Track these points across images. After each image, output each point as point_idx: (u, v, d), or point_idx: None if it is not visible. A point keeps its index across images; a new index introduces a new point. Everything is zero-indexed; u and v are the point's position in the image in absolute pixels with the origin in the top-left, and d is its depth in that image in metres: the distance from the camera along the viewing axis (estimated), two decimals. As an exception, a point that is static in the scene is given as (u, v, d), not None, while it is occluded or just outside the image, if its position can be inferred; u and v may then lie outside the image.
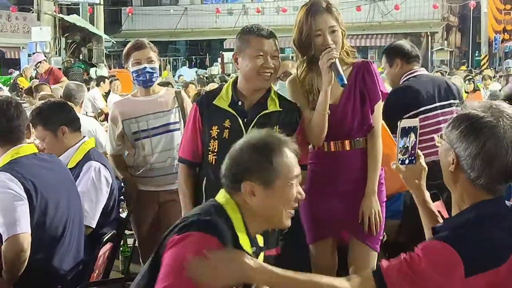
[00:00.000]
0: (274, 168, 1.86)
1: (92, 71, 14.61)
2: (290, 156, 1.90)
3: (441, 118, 3.62)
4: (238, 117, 2.68)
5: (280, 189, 1.88)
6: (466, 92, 11.02)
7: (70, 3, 18.21)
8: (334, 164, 2.83)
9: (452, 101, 3.73)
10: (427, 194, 2.05)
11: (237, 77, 2.78)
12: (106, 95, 9.72)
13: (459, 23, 29.41)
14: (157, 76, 3.55)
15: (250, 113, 2.70)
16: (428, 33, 26.63)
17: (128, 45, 3.64)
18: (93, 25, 16.96)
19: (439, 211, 2.24)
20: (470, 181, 1.74)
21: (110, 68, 17.21)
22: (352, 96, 2.79)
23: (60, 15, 16.15)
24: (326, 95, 2.66)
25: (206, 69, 23.84)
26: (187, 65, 26.60)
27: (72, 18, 16.62)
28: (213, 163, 2.68)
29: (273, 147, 1.88)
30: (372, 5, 26.04)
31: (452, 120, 1.79)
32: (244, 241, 1.84)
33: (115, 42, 22.09)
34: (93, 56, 16.38)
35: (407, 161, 2.01)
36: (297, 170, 1.92)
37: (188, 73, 18.58)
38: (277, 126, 2.67)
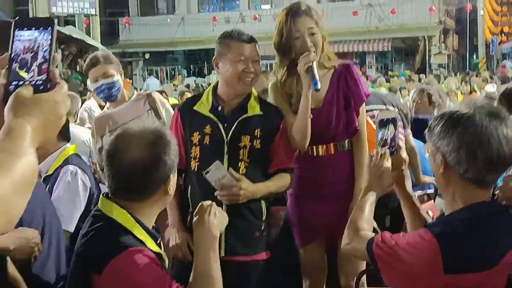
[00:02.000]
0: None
1: (89, 82, 14.62)
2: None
3: None
4: (219, 122, 2.67)
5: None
6: (462, 93, 11.03)
7: (66, 14, 18.26)
8: (321, 168, 2.84)
9: None
10: (409, 185, 2.05)
11: (217, 83, 2.77)
12: (104, 106, 9.69)
13: (456, 26, 29.45)
14: (118, 88, 3.50)
15: (230, 118, 2.68)
16: (426, 37, 26.63)
17: (85, 62, 3.63)
18: (90, 36, 17.00)
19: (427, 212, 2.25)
20: (460, 177, 1.74)
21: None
22: (336, 99, 2.79)
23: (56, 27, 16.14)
24: (307, 99, 2.65)
25: (205, 78, 23.86)
26: (186, 74, 26.64)
27: (68, 30, 16.64)
28: (196, 170, 2.68)
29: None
30: (369, 10, 26.06)
31: (432, 122, 1.80)
32: (146, 240, 1.81)
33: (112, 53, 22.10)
34: (90, 67, 16.38)
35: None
36: None
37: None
38: (258, 130, 2.68)
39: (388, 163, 2.01)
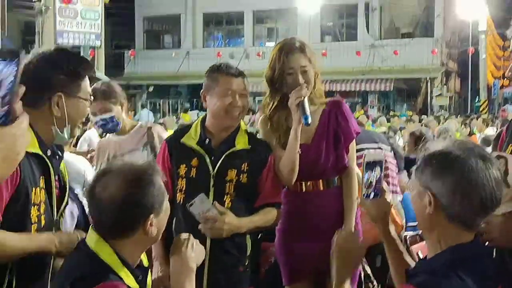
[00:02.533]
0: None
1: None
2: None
3: None
4: (206, 155, 2.67)
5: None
6: (462, 136, 11.06)
7: (72, 45, 18.46)
8: (309, 204, 2.81)
9: None
10: (392, 229, 2.04)
11: (205, 115, 2.78)
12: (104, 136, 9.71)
13: (458, 68, 29.69)
14: (116, 123, 3.53)
15: (217, 151, 2.68)
16: (428, 79, 26.85)
17: None
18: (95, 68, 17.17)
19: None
20: (450, 220, 1.73)
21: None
22: (325, 135, 2.79)
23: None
24: (296, 134, 2.65)
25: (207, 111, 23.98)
26: (189, 107, 26.79)
27: (74, 61, 16.81)
28: (181, 202, 2.67)
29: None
30: (372, 50, 26.33)
31: (421, 162, 1.78)
32: (126, 277, 1.79)
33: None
34: (94, 98, 16.51)
35: (371, 195, 2.00)
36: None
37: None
38: (245, 164, 2.67)
39: (355, 242, 2.02)
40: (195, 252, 1.92)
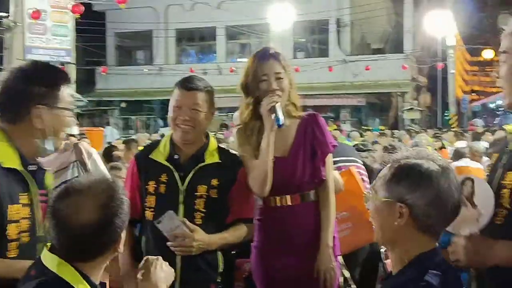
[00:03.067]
0: None
1: (62, 129, 14.55)
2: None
3: None
4: (174, 171, 2.61)
5: None
6: (434, 149, 11.18)
7: (41, 62, 18.25)
8: (285, 219, 2.74)
9: None
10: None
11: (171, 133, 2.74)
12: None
13: (428, 83, 30.13)
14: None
15: (186, 166, 2.63)
16: (399, 93, 27.18)
17: None
18: (65, 84, 16.97)
19: None
20: (421, 230, 1.72)
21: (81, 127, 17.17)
22: (302, 148, 2.74)
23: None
24: (269, 140, 2.61)
25: (180, 127, 23.86)
26: (162, 123, 26.64)
27: (43, 77, 16.60)
28: (151, 219, 2.61)
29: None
30: (343, 66, 26.59)
31: (394, 174, 1.76)
32: None
33: (87, 102, 22.12)
34: (63, 114, 16.32)
35: None
36: None
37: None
38: (215, 179, 2.62)
39: None
40: (164, 273, 1.87)
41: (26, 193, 2.07)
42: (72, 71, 17.68)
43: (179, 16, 28.75)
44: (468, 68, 28.54)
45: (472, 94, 29.19)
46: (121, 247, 1.77)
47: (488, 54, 27.29)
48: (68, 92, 2.16)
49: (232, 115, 26.79)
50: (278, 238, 2.76)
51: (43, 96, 2.09)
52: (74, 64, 17.45)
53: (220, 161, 2.67)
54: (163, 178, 2.62)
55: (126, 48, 32.39)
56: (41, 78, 2.12)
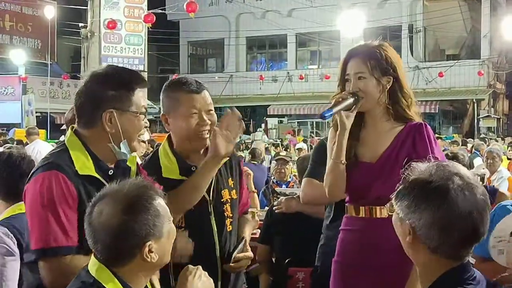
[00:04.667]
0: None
1: (134, 135, 14.98)
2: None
3: None
4: None
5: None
6: (508, 159, 10.72)
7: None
8: (368, 233, 2.42)
9: None
10: None
11: (167, 143, 2.50)
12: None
13: (506, 90, 29.01)
14: None
15: None
16: (474, 100, 26.32)
17: (73, 110, 3.54)
18: (138, 91, 17.50)
19: None
20: (431, 251, 1.63)
21: (153, 133, 17.61)
22: (394, 156, 2.43)
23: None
24: (340, 141, 2.40)
25: (250, 135, 24.09)
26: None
27: (118, 85, 17.17)
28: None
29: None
30: (416, 72, 26.01)
31: (400, 189, 1.68)
32: None
33: (157, 108, 22.63)
34: (136, 121, 16.79)
35: None
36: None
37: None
38: (230, 178, 2.53)
39: None
40: (203, 284, 1.85)
41: None
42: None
43: (250, 24, 29.07)
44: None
45: (554, 101, 27.87)
46: (153, 256, 1.73)
47: None
48: (141, 96, 2.11)
49: (297, 122, 26.30)
50: (365, 253, 2.43)
51: (115, 99, 2.08)
52: (146, 72, 17.92)
53: (227, 158, 2.49)
54: None
55: (199, 56, 33.03)
56: (113, 82, 2.10)
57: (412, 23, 26.89)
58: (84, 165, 2.05)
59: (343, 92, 2.42)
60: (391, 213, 2.35)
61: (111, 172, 2.09)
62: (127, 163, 2.16)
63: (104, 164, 2.09)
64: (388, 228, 2.25)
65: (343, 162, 2.40)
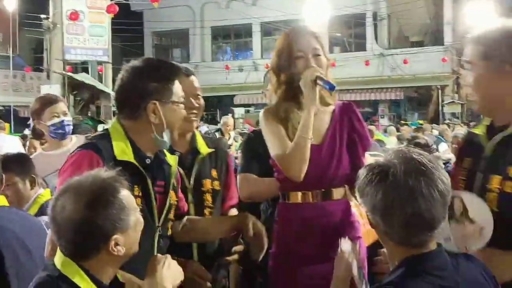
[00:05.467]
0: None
1: (100, 127, 14.77)
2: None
3: None
4: (179, 169, 2.42)
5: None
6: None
7: (79, 62, 18.56)
8: (316, 218, 2.38)
9: None
10: None
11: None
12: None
13: (469, 76, 29.49)
14: (70, 126, 3.60)
15: (186, 161, 2.51)
16: (439, 86, 26.68)
17: (38, 101, 3.63)
18: (102, 83, 17.24)
19: None
20: (385, 236, 1.65)
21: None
22: (338, 137, 2.44)
23: (69, 73, 16.47)
24: (310, 115, 2.31)
25: (217, 125, 24.02)
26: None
27: (81, 76, 16.87)
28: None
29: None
30: (381, 60, 26.25)
31: (358, 174, 1.71)
32: None
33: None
34: (101, 113, 16.57)
35: None
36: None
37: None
38: (214, 170, 2.54)
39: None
40: (171, 272, 1.84)
41: (139, 185, 2.13)
42: (108, 70, 18.00)
43: (214, 14, 28.89)
44: (511, 59, 27.80)
45: (515, 86, 28.44)
46: (120, 249, 1.72)
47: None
48: (179, 86, 2.21)
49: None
50: (306, 241, 2.39)
51: (157, 91, 2.16)
52: (110, 63, 17.67)
53: (213, 149, 2.54)
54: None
55: (163, 46, 32.71)
56: (154, 74, 2.18)
57: (376, 10, 27.08)
58: (123, 151, 2.13)
59: (311, 68, 2.35)
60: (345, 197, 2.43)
61: (148, 161, 2.18)
62: (168, 161, 2.25)
63: (143, 153, 2.18)
64: (334, 211, 2.39)
65: (311, 138, 2.32)
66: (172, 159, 2.27)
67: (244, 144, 3.04)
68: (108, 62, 17.48)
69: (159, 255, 1.89)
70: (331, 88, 2.31)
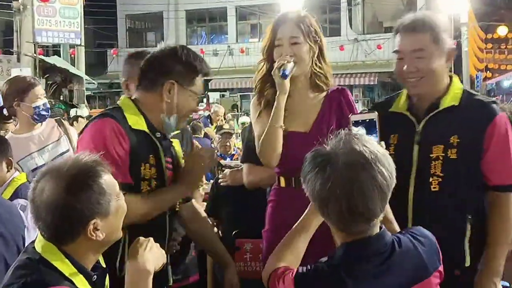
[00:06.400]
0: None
1: (73, 111, 14.60)
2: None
3: None
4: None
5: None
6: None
7: (51, 44, 18.25)
8: (301, 204, 2.25)
9: None
10: None
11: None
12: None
13: (441, 61, 29.80)
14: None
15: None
16: (411, 72, 26.91)
17: (20, 82, 3.60)
18: (74, 66, 16.99)
19: None
20: (327, 221, 1.70)
21: (92, 109, 17.22)
22: (326, 124, 2.47)
23: (41, 56, 16.17)
24: (280, 104, 2.36)
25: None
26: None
27: (52, 59, 16.60)
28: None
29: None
30: (355, 45, 26.35)
31: (305, 158, 1.74)
32: (79, 281, 1.72)
33: (96, 84, 22.09)
34: (74, 97, 16.36)
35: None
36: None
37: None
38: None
39: None
40: (153, 255, 1.84)
41: (153, 155, 2.25)
42: (81, 53, 17.74)
43: (189, -3, 28.61)
44: (482, 45, 28.13)
45: (487, 72, 28.81)
46: (99, 234, 1.72)
47: (502, 31, 26.86)
48: (202, 84, 2.31)
49: (242, 95, 26.41)
50: (289, 225, 2.32)
51: (180, 74, 2.26)
52: (83, 46, 17.40)
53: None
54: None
55: (137, 29, 32.30)
56: (184, 59, 2.28)
57: (350, -5, 27.14)
58: (137, 122, 2.23)
59: (285, 56, 2.38)
60: None
61: (158, 134, 2.28)
62: (173, 143, 2.38)
63: (155, 127, 2.28)
64: None
65: (282, 127, 2.37)
66: (176, 143, 2.40)
67: (243, 133, 3.15)
68: (80, 45, 17.19)
69: (141, 238, 1.89)
70: (283, 75, 2.36)
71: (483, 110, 2.33)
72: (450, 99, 2.35)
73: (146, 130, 2.23)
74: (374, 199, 1.60)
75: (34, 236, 2.20)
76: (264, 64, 2.52)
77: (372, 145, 1.66)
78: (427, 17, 2.35)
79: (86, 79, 17.14)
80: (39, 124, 3.57)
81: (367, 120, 2.00)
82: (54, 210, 1.66)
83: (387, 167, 1.63)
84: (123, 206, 1.81)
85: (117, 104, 2.31)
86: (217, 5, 28.11)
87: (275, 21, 2.49)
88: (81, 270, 1.72)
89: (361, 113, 2.13)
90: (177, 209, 2.45)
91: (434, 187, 2.29)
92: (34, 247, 1.73)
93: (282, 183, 2.50)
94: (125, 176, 2.12)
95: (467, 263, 2.32)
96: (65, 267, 1.69)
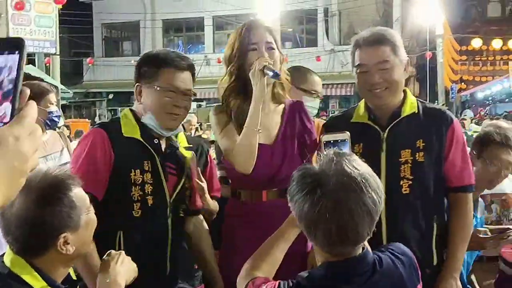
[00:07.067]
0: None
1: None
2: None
3: None
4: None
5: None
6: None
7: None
8: (269, 218, 2.28)
9: None
10: None
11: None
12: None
13: (417, 73, 30.15)
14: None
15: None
16: (387, 83, 27.16)
17: (36, 87, 3.57)
18: (49, 76, 16.77)
19: None
20: (311, 241, 1.67)
21: (68, 118, 17.03)
22: (289, 136, 2.44)
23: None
24: (257, 106, 2.27)
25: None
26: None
27: (27, 68, 16.34)
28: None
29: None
30: (332, 56, 26.54)
31: (292, 176, 1.70)
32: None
33: (71, 93, 21.87)
34: (49, 107, 16.11)
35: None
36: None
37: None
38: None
39: None
40: (124, 268, 1.82)
41: (148, 161, 2.27)
42: (56, 62, 17.53)
43: (166, 6, 28.55)
44: (457, 57, 28.56)
45: (461, 83, 29.24)
46: (69, 248, 1.69)
47: (477, 43, 27.31)
48: (172, 76, 2.26)
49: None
50: (257, 240, 2.21)
51: (144, 74, 2.30)
52: (58, 55, 17.21)
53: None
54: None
55: (113, 39, 32.15)
56: (147, 60, 2.33)
57: (327, 6, 27.36)
58: (130, 130, 2.28)
59: (261, 58, 2.31)
60: None
61: (156, 141, 2.31)
62: (183, 153, 2.40)
63: (153, 133, 2.30)
64: (277, 213, 2.25)
65: (259, 130, 2.29)
66: (188, 154, 2.42)
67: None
68: (55, 54, 16.99)
69: (113, 251, 1.87)
70: (274, 75, 2.27)
71: (441, 116, 2.45)
72: (410, 108, 2.44)
73: (139, 137, 2.27)
74: (363, 224, 1.57)
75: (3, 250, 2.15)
76: (233, 70, 2.40)
77: (363, 167, 1.61)
78: (384, 31, 2.42)
79: (61, 89, 16.92)
80: (45, 132, 3.59)
81: (339, 141, 1.95)
82: (24, 223, 1.63)
83: (377, 191, 1.59)
84: (94, 219, 1.79)
85: (118, 116, 2.41)
86: (194, 14, 28.10)
87: (245, 26, 2.40)
88: (51, 283, 1.68)
89: (332, 132, 2.07)
90: (181, 214, 2.41)
91: (405, 190, 2.37)
92: (3, 261, 1.69)
93: (247, 196, 2.43)
94: (93, 188, 2.10)
95: (435, 262, 2.40)
96: (35, 281, 1.65)
